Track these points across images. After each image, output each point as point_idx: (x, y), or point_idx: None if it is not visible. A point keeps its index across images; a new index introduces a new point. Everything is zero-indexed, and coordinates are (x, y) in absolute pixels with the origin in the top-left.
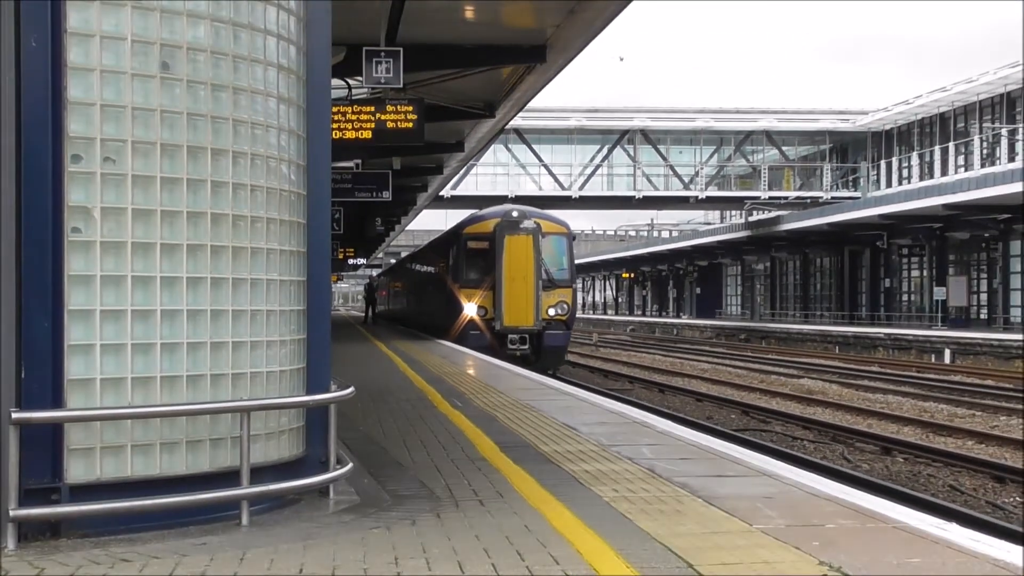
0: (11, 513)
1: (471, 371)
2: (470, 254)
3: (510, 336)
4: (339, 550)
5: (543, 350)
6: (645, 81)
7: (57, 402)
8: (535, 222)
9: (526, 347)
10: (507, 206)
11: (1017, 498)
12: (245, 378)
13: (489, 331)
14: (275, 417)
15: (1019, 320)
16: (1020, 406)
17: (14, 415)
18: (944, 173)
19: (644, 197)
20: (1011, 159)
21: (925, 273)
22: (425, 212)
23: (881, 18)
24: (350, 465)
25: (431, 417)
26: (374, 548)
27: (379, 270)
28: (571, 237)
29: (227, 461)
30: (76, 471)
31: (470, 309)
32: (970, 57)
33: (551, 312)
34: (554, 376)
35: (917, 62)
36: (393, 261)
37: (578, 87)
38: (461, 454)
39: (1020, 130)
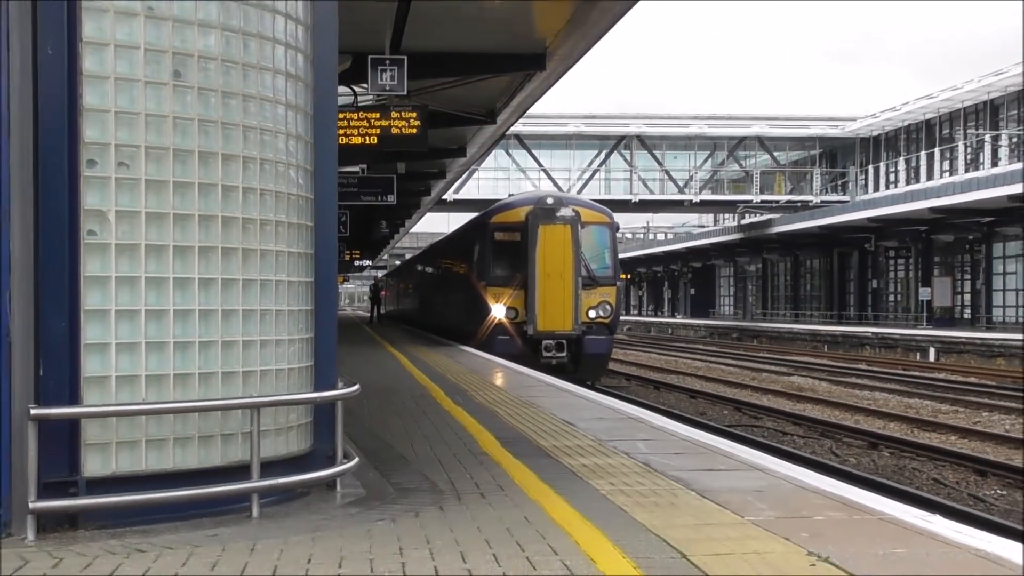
0: (31, 506)
1: (471, 369)
2: (498, 247)
3: (545, 342)
4: (346, 542)
5: (583, 358)
6: (641, 86)
7: (74, 399)
8: (573, 210)
9: (563, 355)
10: (540, 191)
11: (998, 490)
12: (255, 375)
13: (520, 336)
14: (284, 413)
15: (1000, 320)
16: (1004, 403)
17: (33, 411)
18: (930, 178)
19: (640, 201)
20: (994, 164)
21: (911, 274)
22: (428, 215)
23: (875, 23)
24: (356, 459)
25: (434, 413)
26: (379, 540)
27: (384, 271)
28: (615, 227)
29: (238, 456)
30: (92, 465)
31: (498, 311)
32: (958, 64)
33: (592, 314)
34: (593, 388)
35: (909, 68)
36: (398, 262)
37: (576, 93)
38: (463, 448)
39: (1003, 136)
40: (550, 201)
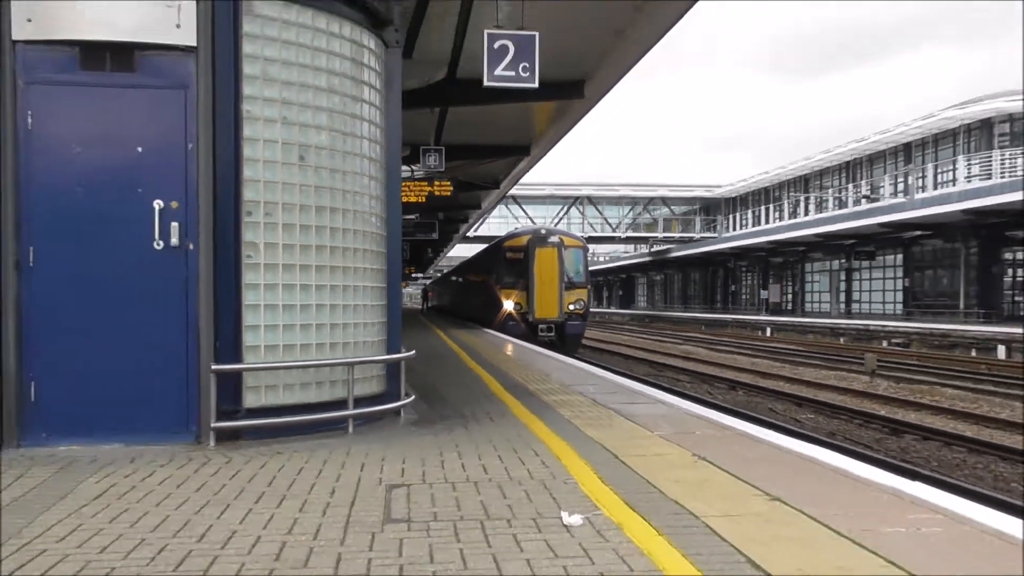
0: (212, 425)
1: (489, 343)
2: (509, 262)
3: (540, 325)
4: (406, 447)
5: (565, 336)
6: (591, 159)
7: (238, 359)
8: (559, 238)
9: (552, 334)
10: (537, 226)
11: (808, 415)
12: (351, 345)
13: (524, 322)
14: (368, 369)
15: (810, 310)
16: (812, 361)
17: (213, 367)
18: (767, 222)
19: (588, 237)
20: (806, 214)
21: (756, 281)
22: (458, 246)
23: (731, 126)
24: (412, 397)
25: (462, 369)
26: (427, 446)
27: (430, 280)
28: (586, 250)
29: (340, 394)
30: (249, 400)
31: (509, 305)
32: (785, 150)
33: (571, 307)
34: (567, 355)
35: (752, 153)
36: (439, 274)
37: (548, 166)
38: (480, 391)
39: (811, 198)
40: (543, 232)
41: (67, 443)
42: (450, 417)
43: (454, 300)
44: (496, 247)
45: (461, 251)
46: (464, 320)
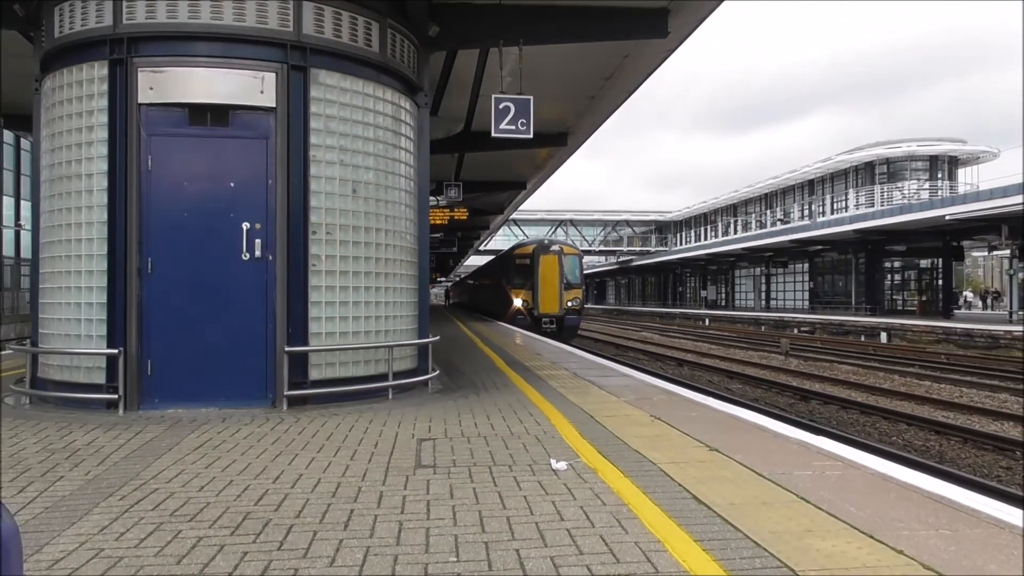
0: (285, 394)
1: (497, 332)
2: (518, 268)
3: (543, 319)
4: (433, 409)
5: (564, 328)
6: (572, 187)
7: (305, 343)
8: (559, 247)
9: (553, 326)
10: (540, 238)
11: (740, 385)
12: (391, 332)
13: (530, 316)
14: (404, 350)
15: (739, 306)
16: (740, 344)
17: (286, 349)
18: (706, 239)
19: None
20: (736, 233)
21: (697, 284)
22: (472, 257)
23: (687, 160)
24: (437, 371)
25: (475, 350)
26: (449, 408)
27: (451, 283)
28: (581, 257)
29: (382, 370)
30: (313, 374)
31: (518, 302)
32: (717, 184)
33: (569, 304)
34: (563, 342)
35: (694, 187)
36: (458, 278)
37: (540, 195)
38: (489, 367)
39: (739, 221)
40: (546, 242)
41: (174, 407)
42: (465, 387)
43: (472, 298)
44: (507, 255)
45: (475, 261)
46: (480, 315)
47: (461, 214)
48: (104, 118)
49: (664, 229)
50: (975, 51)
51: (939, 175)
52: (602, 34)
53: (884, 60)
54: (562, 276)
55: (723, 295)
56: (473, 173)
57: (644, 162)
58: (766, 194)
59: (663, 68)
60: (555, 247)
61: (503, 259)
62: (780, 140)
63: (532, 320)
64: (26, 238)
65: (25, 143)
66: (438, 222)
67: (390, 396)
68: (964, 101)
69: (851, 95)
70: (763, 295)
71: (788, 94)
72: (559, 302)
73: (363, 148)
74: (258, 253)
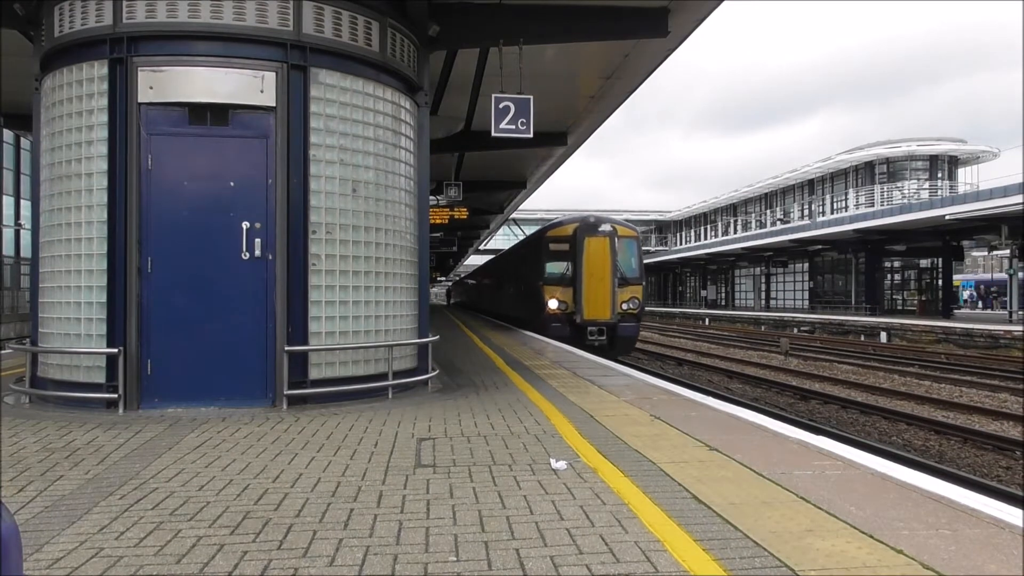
0: (284, 393)
1: (493, 329)
2: (552, 255)
3: (589, 327)
4: (433, 408)
5: (616, 339)
6: (569, 188)
7: (304, 343)
8: (611, 226)
9: (603, 337)
10: (583, 213)
11: (740, 385)
12: (392, 332)
13: (569, 323)
14: (404, 350)
15: (743, 305)
16: (739, 343)
17: (286, 349)
18: (706, 239)
19: None
20: (736, 233)
21: (697, 283)
22: (472, 256)
23: (688, 160)
24: (437, 371)
25: (473, 349)
26: (449, 408)
27: (451, 282)
28: (640, 240)
29: (382, 369)
30: (313, 374)
31: (553, 304)
32: (716, 184)
33: (624, 307)
34: (619, 362)
35: (694, 187)
36: (457, 278)
37: (540, 194)
38: (489, 366)
39: (739, 221)
40: (592, 220)
41: (174, 406)
42: (465, 386)
43: (484, 298)
44: (537, 238)
45: (475, 260)
46: (493, 319)
47: (461, 213)
48: (104, 117)
49: (664, 228)
50: (981, 51)
51: (939, 175)
52: (602, 34)
53: (890, 59)
54: (615, 267)
55: (723, 295)
56: (473, 172)
57: (646, 161)
58: (766, 194)
59: (667, 66)
60: (605, 226)
61: (530, 244)
62: (783, 140)
63: (572, 329)
64: (26, 237)
65: (25, 142)
66: (438, 221)
67: (390, 395)
68: (967, 101)
69: (856, 94)
70: (763, 295)
71: (792, 93)
72: (611, 304)
73: (363, 147)
74: (258, 252)
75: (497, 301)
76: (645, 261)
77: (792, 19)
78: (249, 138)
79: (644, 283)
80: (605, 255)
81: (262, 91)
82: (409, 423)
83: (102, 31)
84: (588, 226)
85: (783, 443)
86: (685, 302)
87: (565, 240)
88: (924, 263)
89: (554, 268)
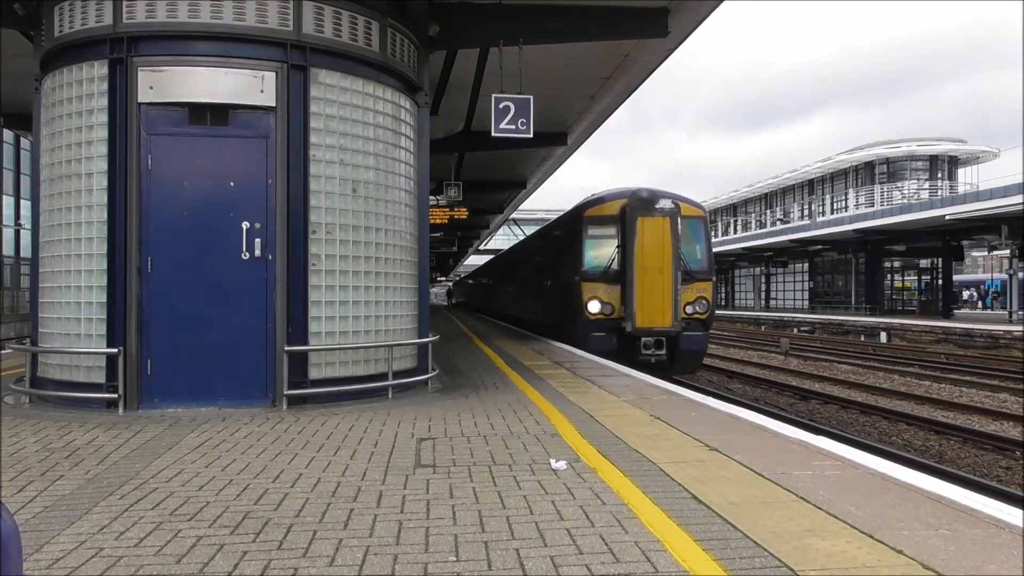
0: (285, 393)
1: (492, 328)
2: (592, 240)
3: (643, 337)
4: (432, 409)
5: (679, 353)
6: (563, 188)
7: (304, 343)
8: (672, 202)
9: (662, 352)
10: (631, 186)
11: (740, 385)
12: (391, 332)
13: (616, 332)
14: (404, 350)
15: (743, 305)
16: (739, 343)
17: (286, 349)
18: (735, 232)
19: None
20: (735, 232)
21: None
22: (473, 256)
23: (692, 161)
24: (437, 371)
25: (473, 348)
26: (448, 408)
27: (451, 282)
28: (708, 221)
29: (382, 369)
30: (313, 374)
31: (593, 306)
32: (744, 176)
33: (689, 310)
34: (675, 382)
35: (713, 183)
36: (457, 278)
37: (540, 193)
38: (488, 366)
39: (768, 215)
40: (645, 195)
41: (174, 406)
42: (465, 386)
43: (496, 298)
44: (571, 219)
45: (475, 260)
46: (507, 323)
47: (461, 213)
48: (104, 117)
49: None
50: (982, 51)
51: (939, 175)
52: (602, 33)
53: (894, 59)
54: (678, 257)
55: (723, 294)
56: (473, 172)
57: (650, 161)
58: (766, 194)
59: (671, 66)
60: (665, 202)
61: (561, 226)
62: (787, 139)
63: (620, 340)
64: (26, 237)
65: (25, 142)
66: (438, 221)
67: (390, 396)
68: (968, 101)
69: (860, 93)
70: (763, 295)
71: (797, 91)
72: (673, 307)
73: (363, 147)
74: (258, 253)
75: (512, 301)
76: None
77: (797, 18)
78: (249, 138)
79: (714, 278)
80: (665, 241)
81: (262, 91)
82: (409, 423)
83: (102, 31)
84: (641, 202)
85: (783, 443)
86: None
87: (610, 221)
88: (924, 263)
89: (595, 259)
